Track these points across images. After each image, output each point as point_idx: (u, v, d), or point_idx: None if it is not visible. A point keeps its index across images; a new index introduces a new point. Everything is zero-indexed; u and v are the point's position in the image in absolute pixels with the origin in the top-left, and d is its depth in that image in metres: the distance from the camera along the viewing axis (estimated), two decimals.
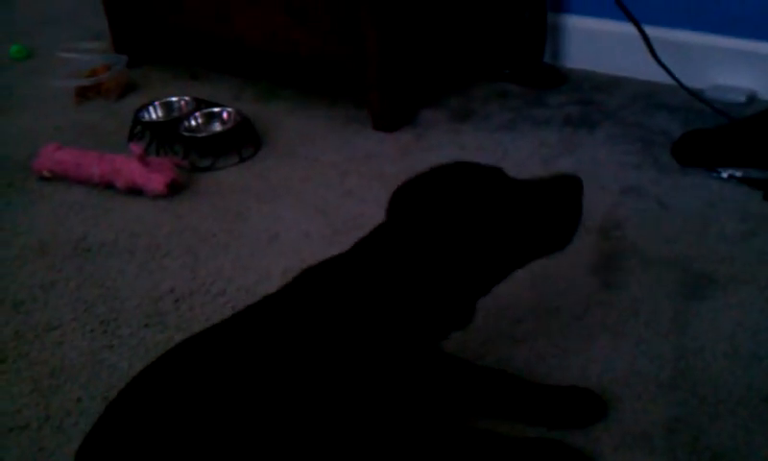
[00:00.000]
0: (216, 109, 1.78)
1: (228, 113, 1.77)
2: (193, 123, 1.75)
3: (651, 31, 1.71)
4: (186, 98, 1.83)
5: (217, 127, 1.75)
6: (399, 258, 0.92)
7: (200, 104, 1.81)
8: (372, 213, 1.45)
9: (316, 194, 1.55)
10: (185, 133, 1.71)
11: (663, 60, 1.70)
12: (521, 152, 1.62)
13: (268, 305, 0.97)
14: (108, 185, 1.60)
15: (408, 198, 0.96)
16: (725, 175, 1.47)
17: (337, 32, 1.71)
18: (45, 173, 1.65)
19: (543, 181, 0.99)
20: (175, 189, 1.58)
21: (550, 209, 0.97)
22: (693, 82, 1.72)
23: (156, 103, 1.82)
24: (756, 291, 1.21)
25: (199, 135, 1.72)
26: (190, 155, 1.68)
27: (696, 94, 1.69)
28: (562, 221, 0.99)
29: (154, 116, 1.81)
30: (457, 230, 0.92)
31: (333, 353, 0.90)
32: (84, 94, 1.97)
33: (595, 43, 1.90)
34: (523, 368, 1.10)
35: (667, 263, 1.29)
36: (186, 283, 1.33)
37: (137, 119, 1.78)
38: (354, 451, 0.91)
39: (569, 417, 1.02)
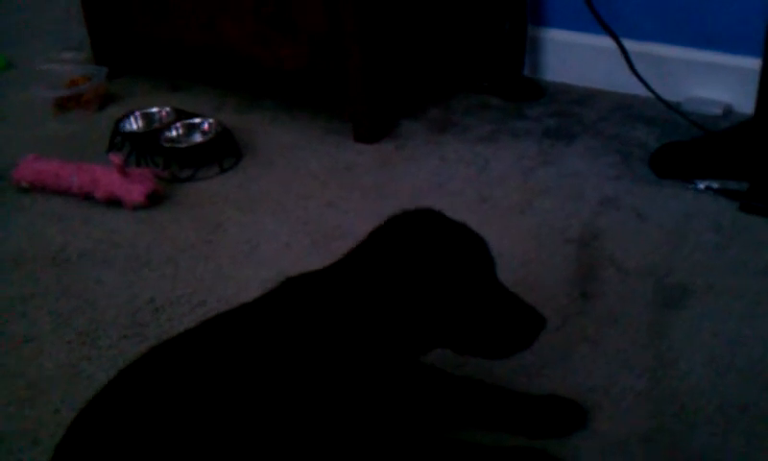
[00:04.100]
0: (197, 120, 1.78)
1: (209, 124, 1.76)
2: (173, 134, 1.75)
3: (629, 44, 1.73)
4: (167, 109, 1.83)
5: (198, 138, 1.75)
6: (371, 289, 0.92)
7: (180, 114, 1.80)
8: (353, 224, 1.46)
9: (296, 205, 1.55)
10: (166, 144, 1.71)
11: (641, 73, 1.72)
12: (502, 163, 1.63)
13: (244, 312, 0.98)
14: (87, 196, 1.59)
15: (402, 234, 0.95)
16: (701, 186, 1.49)
17: (320, 45, 1.71)
18: (24, 183, 1.63)
19: (516, 301, 0.98)
20: (155, 200, 1.57)
21: (506, 332, 0.97)
22: (670, 95, 1.74)
23: (137, 113, 1.82)
24: (731, 301, 1.23)
25: (179, 146, 1.72)
26: (171, 165, 1.68)
27: (673, 107, 1.70)
28: (508, 344, 0.98)
29: (134, 127, 1.80)
30: (426, 293, 0.91)
31: (305, 362, 0.90)
32: (63, 105, 1.96)
33: (574, 56, 1.91)
34: (503, 378, 1.11)
35: (645, 273, 1.30)
36: (166, 294, 1.33)
37: (117, 130, 1.77)
38: None
39: (549, 426, 1.03)
